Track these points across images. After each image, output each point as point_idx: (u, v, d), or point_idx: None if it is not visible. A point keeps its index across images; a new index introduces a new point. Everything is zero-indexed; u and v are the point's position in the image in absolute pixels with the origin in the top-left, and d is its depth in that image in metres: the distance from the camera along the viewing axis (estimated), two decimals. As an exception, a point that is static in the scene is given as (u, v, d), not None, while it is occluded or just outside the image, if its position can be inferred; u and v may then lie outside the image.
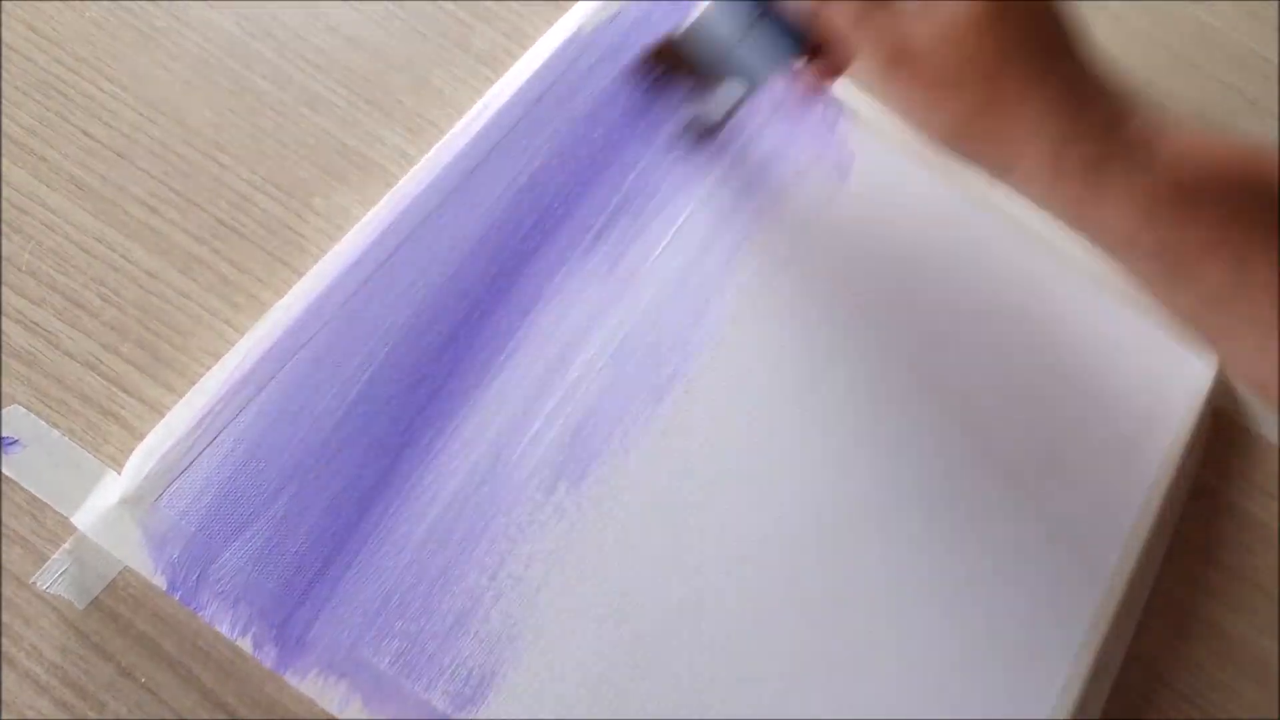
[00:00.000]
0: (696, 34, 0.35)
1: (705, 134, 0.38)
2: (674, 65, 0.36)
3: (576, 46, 0.39)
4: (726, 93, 0.36)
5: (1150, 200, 0.28)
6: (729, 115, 0.37)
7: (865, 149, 0.40)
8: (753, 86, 0.35)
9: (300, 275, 0.35)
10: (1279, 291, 0.27)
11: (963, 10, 0.28)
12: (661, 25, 0.39)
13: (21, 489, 0.31)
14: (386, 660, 0.30)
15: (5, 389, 0.32)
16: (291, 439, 0.32)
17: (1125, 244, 0.29)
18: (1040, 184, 0.30)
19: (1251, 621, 0.37)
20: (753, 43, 0.34)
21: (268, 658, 0.30)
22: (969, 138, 0.30)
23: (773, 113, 0.39)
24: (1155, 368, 0.38)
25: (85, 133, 0.36)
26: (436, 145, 0.37)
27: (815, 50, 0.34)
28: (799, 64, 0.34)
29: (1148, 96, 0.29)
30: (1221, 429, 0.41)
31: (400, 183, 0.37)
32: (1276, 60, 0.49)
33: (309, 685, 0.29)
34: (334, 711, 0.30)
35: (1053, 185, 0.29)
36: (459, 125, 0.37)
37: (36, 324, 0.33)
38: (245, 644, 0.30)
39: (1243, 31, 0.49)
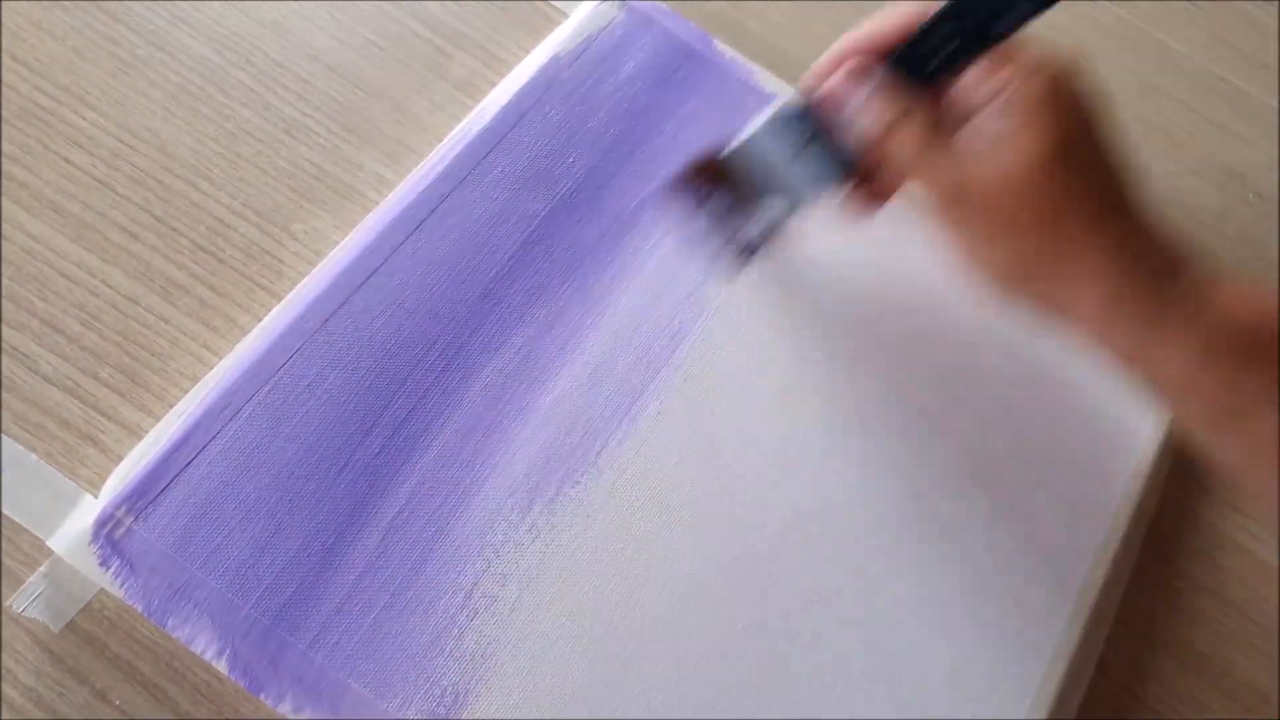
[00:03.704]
0: (745, 152, 0.35)
1: (745, 252, 0.37)
2: (717, 181, 0.36)
3: (552, 73, 0.40)
4: (767, 211, 0.35)
5: (1205, 349, 0.28)
6: (770, 234, 0.36)
7: None
8: (796, 205, 0.34)
9: (279, 299, 0.36)
10: None
11: (1023, 157, 0.29)
12: (633, 55, 0.40)
13: (-2, 513, 0.31)
14: (362, 680, 0.30)
15: (-17, 413, 0.33)
16: (268, 462, 0.32)
17: (1178, 390, 0.29)
18: (1095, 328, 0.30)
19: (1218, 634, 0.37)
20: (803, 163, 0.33)
21: (243, 679, 0.30)
22: (1025, 279, 0.30)
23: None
24: (1125, 385, 0.39)
25: (66, 160, 0.37)
26: (414, 171, 0.38)
27: (867, 174, 0.34)
28: (847, 187, 0.34)
29: (1196, 250, 0.30)
30: (1188, 444, 0.41)
31: (378, 207, 0.37)
32: (1239, 84, 0.50)
33: (285, 707, 0.30)
34: (309, 732, 0.30)
35: (1108, 330, 0.30)
36: (437, 151, 0.38)
37: (15, 348, 0.34)
38: (221, 666, 0.30)
39: (1208, 57, 0.50)
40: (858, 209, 0.35)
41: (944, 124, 0.31)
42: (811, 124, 0.33)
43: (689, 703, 0.32)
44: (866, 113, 0.31)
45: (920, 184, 0.31)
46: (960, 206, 0.30)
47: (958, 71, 0.31)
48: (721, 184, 0.35)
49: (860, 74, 0.32)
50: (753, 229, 0.36)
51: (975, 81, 0.30)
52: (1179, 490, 0.40)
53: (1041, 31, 0.30)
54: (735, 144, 0.35)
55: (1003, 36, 0.30)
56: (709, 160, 0.36)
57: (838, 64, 0.32)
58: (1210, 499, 0.40)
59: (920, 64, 0.31)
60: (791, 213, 0.35)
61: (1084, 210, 0.29)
